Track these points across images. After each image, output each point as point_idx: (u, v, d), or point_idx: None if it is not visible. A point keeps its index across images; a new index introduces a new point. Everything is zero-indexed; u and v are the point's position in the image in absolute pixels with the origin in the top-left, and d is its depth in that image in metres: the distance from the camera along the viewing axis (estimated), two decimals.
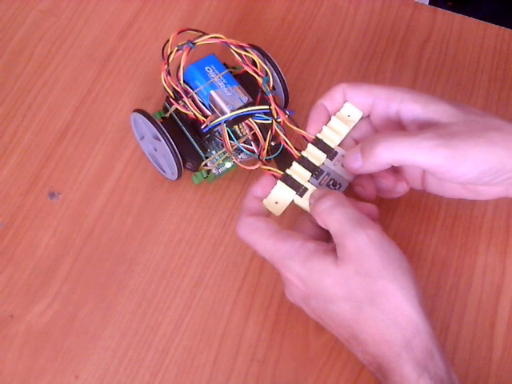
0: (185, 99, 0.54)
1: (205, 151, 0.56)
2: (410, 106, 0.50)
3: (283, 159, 0.52)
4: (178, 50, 0.54)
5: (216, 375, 0.51)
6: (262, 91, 0.55)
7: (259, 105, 0.54)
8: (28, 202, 0.58)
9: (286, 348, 0.52)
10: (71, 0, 0.68)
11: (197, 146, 0.56)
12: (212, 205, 0.58)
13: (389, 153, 0.47)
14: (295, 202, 0.50)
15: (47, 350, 0.52)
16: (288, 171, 0.50)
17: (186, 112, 0.55)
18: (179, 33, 0.55)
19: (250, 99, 0.55)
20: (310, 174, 0.50)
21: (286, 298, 0.49)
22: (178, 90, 0.54)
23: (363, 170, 0.49)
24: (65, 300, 0.54)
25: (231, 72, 0.57)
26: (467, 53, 0.66)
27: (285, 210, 0.50)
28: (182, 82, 0.55)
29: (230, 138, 0.54)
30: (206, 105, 0.55)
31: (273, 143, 0.53)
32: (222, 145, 0.55)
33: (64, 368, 0.51)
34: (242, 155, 0.56)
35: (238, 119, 0.54)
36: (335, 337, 0.48)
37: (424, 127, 0.49)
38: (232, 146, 0.54)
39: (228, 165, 0.57)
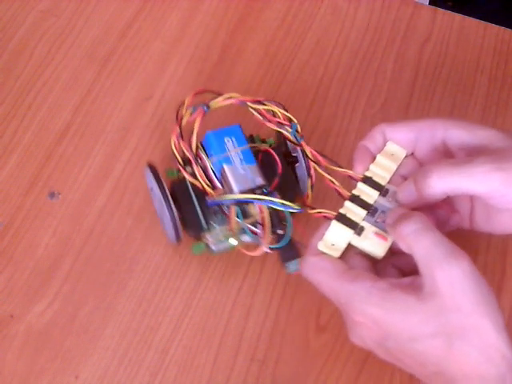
0: (194, 168, 0.50)
1: (208, 223, 0.51)
2: (457, 133, 0.48)
3: (288, 251, 0.50)
4: (191, 114, 0.51)
5: (216, 375, 0.51)
6: (292, 142, 0.51)
7: (275, 189, 0.50)
8: (28, 202, 0.58)
9: (286, 348, 0.52)
10: (71, 0, 0.69)
11: (201, 216, 0.52)
12: None
13: (443, 183, 0.45)
14: (352, 242, 0.46)
15: (47, 349, 0.52)
16: (341, 210, 0.47)
17: (193, 181, 0.51)
18: (196, 94, 0.52)
19: (263, 182, 0.51)
20: (366, 211, 0.47)
21: (352, 341, 0.45)
22: (189, 156, 0.50)
23: (420, 203, 0.47)
24: (65, 300, 0.54)
25: (255, 147, 0.53)
26: (467, 53, 0.66)
27: (343, 252, 0.46)
28: (194, 148, 0.51)
29: (237, 216, 0.49)
30: (218, 176, 0.51)
31: (280, 232, 0.49)
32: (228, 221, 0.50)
33: (64, 368, 0.51)
34: (245, 236, 0.50)
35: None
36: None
37: (473, 153, 0.47)
38: (237, 225, 0.49)
39: (231, 243, 0.51)
